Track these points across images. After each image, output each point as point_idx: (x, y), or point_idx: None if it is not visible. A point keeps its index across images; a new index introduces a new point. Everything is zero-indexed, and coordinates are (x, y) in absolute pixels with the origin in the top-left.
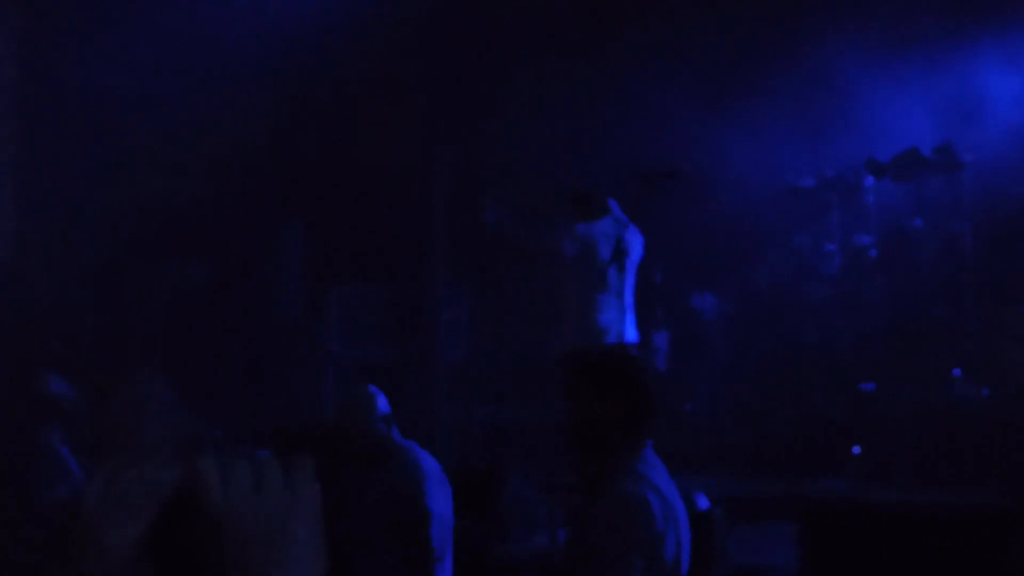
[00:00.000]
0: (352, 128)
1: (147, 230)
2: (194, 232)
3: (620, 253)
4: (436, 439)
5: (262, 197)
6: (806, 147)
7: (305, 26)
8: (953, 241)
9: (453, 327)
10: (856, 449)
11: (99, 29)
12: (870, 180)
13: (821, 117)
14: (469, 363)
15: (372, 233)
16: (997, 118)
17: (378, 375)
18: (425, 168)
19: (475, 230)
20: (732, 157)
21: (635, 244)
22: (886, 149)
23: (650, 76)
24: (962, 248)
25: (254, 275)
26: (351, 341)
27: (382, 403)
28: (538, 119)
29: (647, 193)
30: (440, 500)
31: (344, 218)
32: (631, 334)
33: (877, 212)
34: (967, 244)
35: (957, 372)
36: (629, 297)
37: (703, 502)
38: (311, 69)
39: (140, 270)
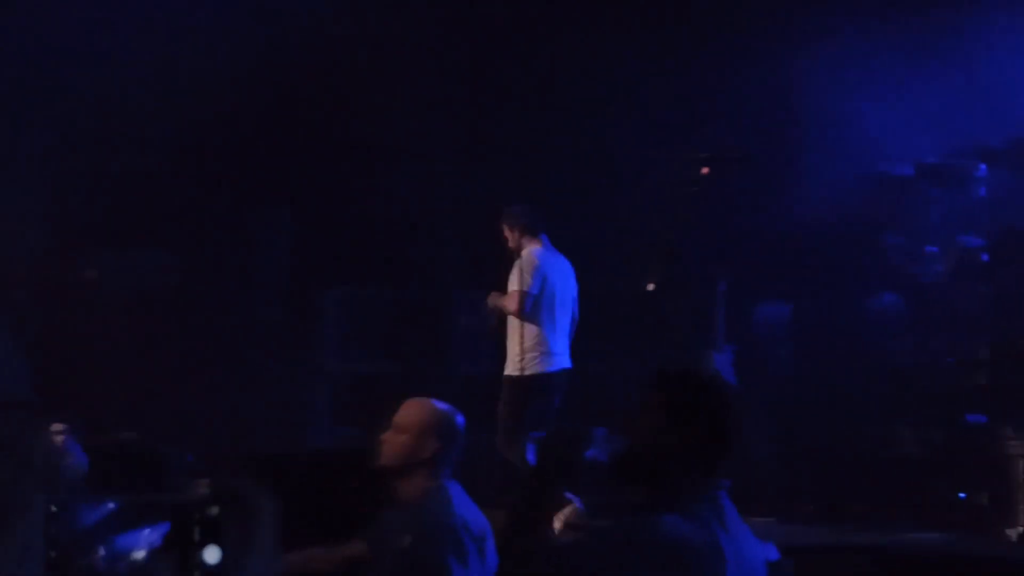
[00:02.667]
0: (352, 102)
1: (105, 215)
2: (160, 218)
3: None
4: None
5: (243, 178)
6: (903, 129)
7: None
8: None
9: (470, 336)
10: (963, 495)
11: None
12: (982, 169)
13: (923, 94)
14: (490, 378)
15: (373, 226)
16: None
17: (379, 392)
18: (437, 153)
19: (497, 225)
20: (812, 140)
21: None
22: (1001, 133)
23: (719, 50)
24: None
25: (231, 270)
26: (346, 352)
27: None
28: (583, 101)
29: (710, 182)
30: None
31: (340, 207)
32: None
33: (989, 208)
34: None
35: None
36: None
37: (772, 553)
38: (307, 29)
39: (96, 261)
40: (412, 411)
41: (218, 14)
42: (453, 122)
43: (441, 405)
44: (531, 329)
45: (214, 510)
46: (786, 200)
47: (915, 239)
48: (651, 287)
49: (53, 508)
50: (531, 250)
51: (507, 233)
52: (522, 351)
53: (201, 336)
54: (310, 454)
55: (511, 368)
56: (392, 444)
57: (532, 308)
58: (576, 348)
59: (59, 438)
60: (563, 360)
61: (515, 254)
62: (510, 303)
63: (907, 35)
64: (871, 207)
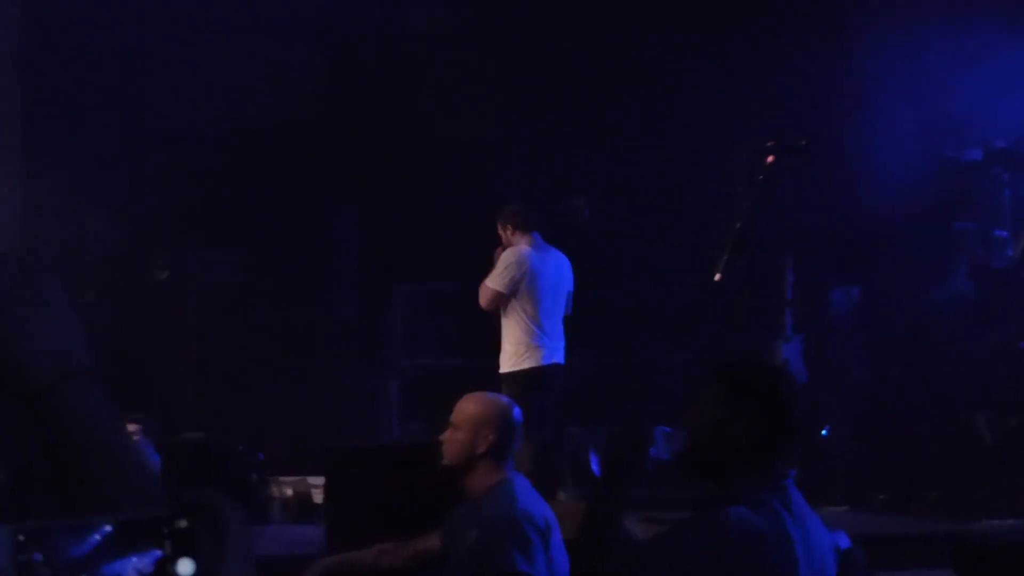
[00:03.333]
0: (421, 96)
1: (171, 215)
2: (229, 215)
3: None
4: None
5: (311, 176)
6: (971, 111)
7: None
8: None
9: None
10: None
11: None
12: None
13: (990, 73)
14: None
15: (442, 221)
16: None
17: (450, 388)
18: (505, 147)
19: (562, 218)
20: (878, 124)
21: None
22: None
23: (785, 35)
24: None
25: (300, 267)
26: (416, 347)
27: None
28: (649, 94)
29: (777, 170)
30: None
31: (409, 203)
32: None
33: None
34: None
35: None
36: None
37: (843, 540)
38: (375, 23)
39: (168, 260)
40: (466, 407)
41: (288, 10)
42: (521, 116)
43: (494, 397)
44: (521, 324)
45: (183, 523)
46: (855, 186)
47: (986, 224)
48: (718, 278)
49: (21, 537)
50: (516, 248)
51: (500, 231)
52: (514, 347)
53: (271, 333)
54: (381, 448)
55: (505, 365)
56: (451, 443)
57: (512, 306)
58: (643, 341)
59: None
60: (555, 354)
61: (508, 247)
62: (480, 295)
63: (966, 15)
64: (941, 192)
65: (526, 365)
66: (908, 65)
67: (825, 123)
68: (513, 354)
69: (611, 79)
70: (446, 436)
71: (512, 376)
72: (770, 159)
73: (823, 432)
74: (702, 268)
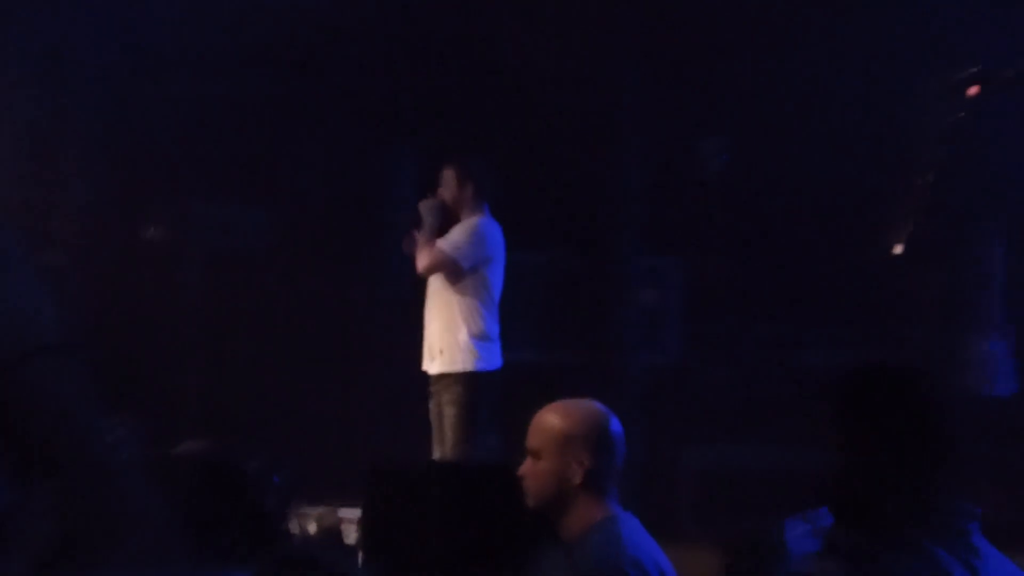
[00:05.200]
0: (503, 29)
1: (170, 157)
2: (247, 163)
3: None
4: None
5: (360, 113)
6: None
7: None
8: None
9: (652, 316)
10: None
11: None
12: None
13: None
14: (678, 371)
15: (529, 175)
16: None
17: (528, 389)
18: (613, 86)
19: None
20: None
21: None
22: None
23: None
24: None
25: (341, 235)
26: None
27: None
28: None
29: (980, 109)
30: None
31: (485, 151)
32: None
33: None
34: None
35: None
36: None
37: None
38: None
39: (164, 217)
40: (544, 428)
41: None
42: (634, 53)
43: (583, 405)
44: (479, 312)
45: None
46: None
47: None
48: (898, 249)
49: None
50: (479, 220)
51: (452, 183)
52: (470, 340)
53: (299, 315)
54: (440, 469)
55: (458, 362)
56: (533, 477)
57: (468, 287)
58: (791, 332)
59: None
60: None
61: (453, 210)
62: (426, 257)
63: None
64: None
65: (484, 366)
66: None
67: None
68: (468, 349)
69: None
70: (526, 469)
71: (466, 378)
72: (973, 91)
73: None
74: (875, 237)
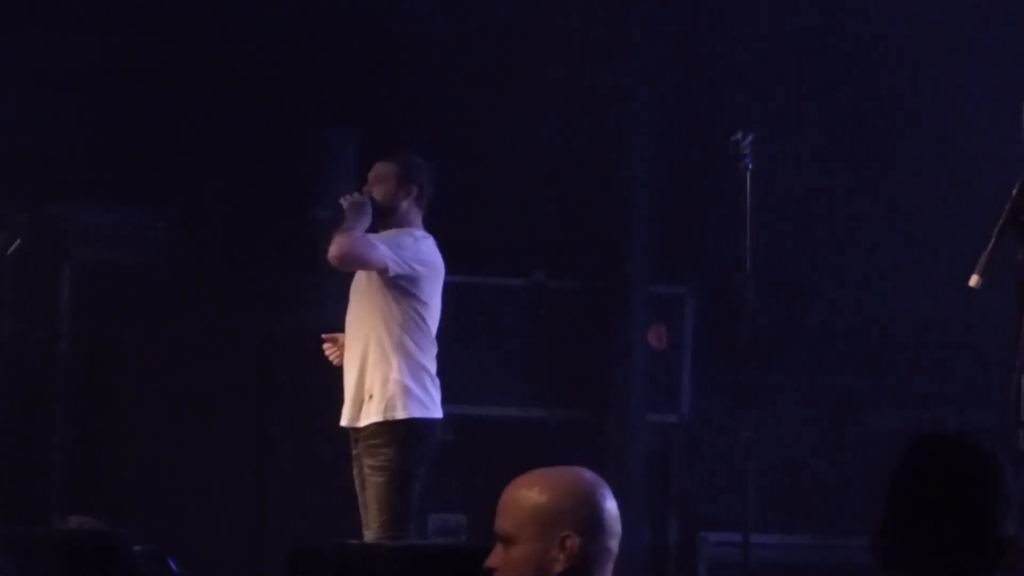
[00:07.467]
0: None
1: (37, 145)
2: (141, 155)
3: None
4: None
5: (288, 92)
6: None
7: None
8: None
9: (659, 359)
10: None
11: None
12: None
13: None
14: (696, 423)
15: (500, 178)
16: None
17: (516, 447)
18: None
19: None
20: None
21: None
22: None
23: None
24: None
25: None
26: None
27: None
28: None
29: None
30: None
31: (424, 139)
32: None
33: None
34: None
35: None
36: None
37: None
38: None
39: (15, 225)
40: (518, 505)
41: None
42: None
43: (566, 478)
44: (414, 346)
45: None
46: None
47: None
48: (975, 281)
49: None
50: (421, 233)
51: (392, 182)
52: (403, 380)
53: (207, 351)
54: (387, 551)
55: (387, 409)
56: (504, 568)
57: (408, 311)
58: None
59: None
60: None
61: (383, 215)
62: (345, 242)
63: None
64: None
65: (424, 413)
66: None
67: None
68: (397, 392)
69: None
70: (496, 558)
71: (392, 431)
72: None
73: None
74: (949, 265)
